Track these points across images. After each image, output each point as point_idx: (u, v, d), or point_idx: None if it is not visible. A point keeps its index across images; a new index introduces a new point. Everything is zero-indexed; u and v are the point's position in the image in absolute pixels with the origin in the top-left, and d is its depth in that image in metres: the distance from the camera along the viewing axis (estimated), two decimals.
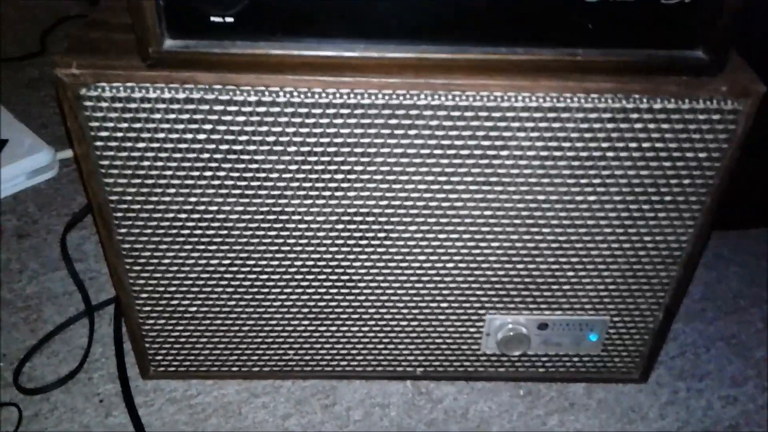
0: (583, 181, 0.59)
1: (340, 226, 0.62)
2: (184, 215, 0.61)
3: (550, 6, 0.51)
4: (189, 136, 0.56)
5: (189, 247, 0.63)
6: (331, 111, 0.55)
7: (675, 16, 0.51)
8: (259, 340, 0.71)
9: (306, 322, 0.69)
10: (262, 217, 0.61)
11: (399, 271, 0.65)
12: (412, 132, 0.56)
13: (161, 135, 0.56)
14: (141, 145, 0.56)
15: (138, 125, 0.55)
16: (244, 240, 0.62)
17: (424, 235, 0.63)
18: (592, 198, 0.60)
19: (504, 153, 0.57)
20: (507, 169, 0.58)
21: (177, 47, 0.51)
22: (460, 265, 0.65)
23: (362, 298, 0.67)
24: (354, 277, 0.66)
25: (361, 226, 0.62)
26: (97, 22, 0.58)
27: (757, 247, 0.93)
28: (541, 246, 0.64)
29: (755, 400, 0.76)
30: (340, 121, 0.55)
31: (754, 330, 0.83)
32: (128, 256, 0.63)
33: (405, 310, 0.69)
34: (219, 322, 0.69)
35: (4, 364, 0.75)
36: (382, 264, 0.65)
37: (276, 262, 0.64)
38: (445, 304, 0.68)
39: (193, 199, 0.60)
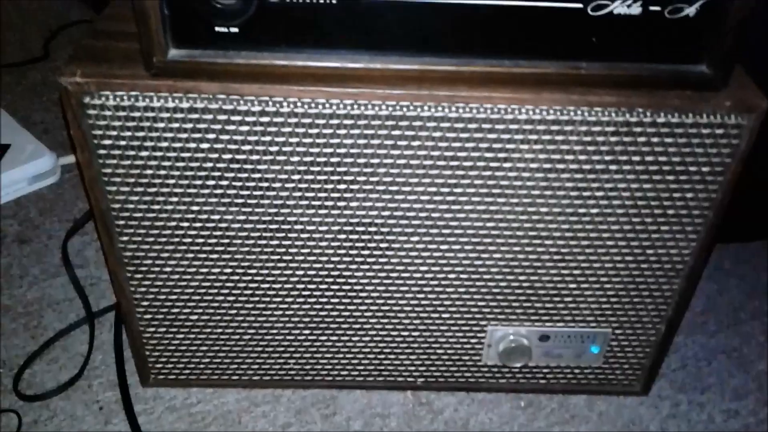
0: (585, 194, 0.59)
1: (342, 237, 0.62)
2: (186, 224, 0.61)
3: (554, 19, 0.51)
4: (192, 145, 0.56)
5: (190, 255, 0.63)
6: (335, 121, 0.55)
7: (679, 30, 0.51)
8: (260, 348, 0.71)
9: (307, 332, 0.69)
10: (263, 226, 0.61)
11: (400, 282, 0.65)
12: (415, 143, 0.56)
13: (164, 144, 0.56)
14: (144, 153, 0.56)
15: (141, 134, 0.55)
16: (246, 249, 0.62)
17: (426, 246, 0.63)
18: (594, 211, 0.60)
19: (507, 165, 0.57)
20: (509, 181, 0.58)
21: (181, 57, 0.52)
22: (462, 275, 0.65)
23: (363, 308, 0.67)
24: (355, 287, 0.66)
25: (363, 237, 0.62)
26: (101, 31, 0.58)
27: (759, 260, 0.93)
28: (543, 258, 0.64)
29: (756, 413, 0.76)
30: (343, 131, 0.55)
31: (756, 343, 0.83)
32: (129, 263, 0.63)
33: (406, 321, 0.68)
34: (220, 330, 0.69)
35: (3, 371, 0.75)
36: (383, 274, 0.65)
37: (277, 272, 0.64)
38: (446, 315, 0.68)
39: (195, 208, 0.60)
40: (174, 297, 0.66)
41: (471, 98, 0.54)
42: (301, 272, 0.64)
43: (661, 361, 0.73)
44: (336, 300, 0.66)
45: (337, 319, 0.68)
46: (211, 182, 0.58)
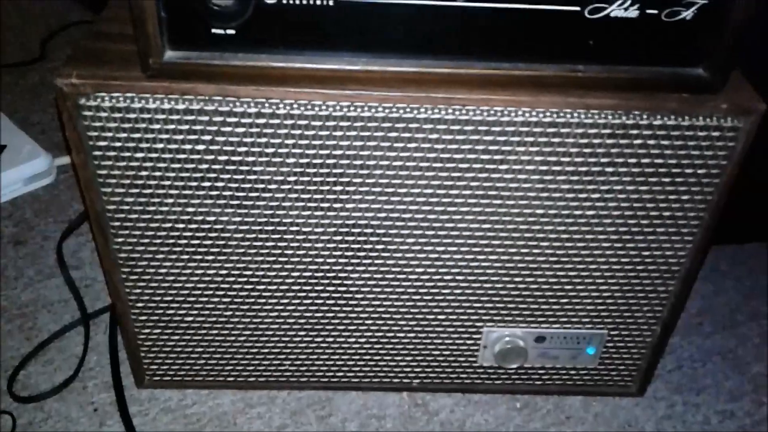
0: (581, 196, 0.59)
1: (338, 238, 0.62)
2: (181, 225, 0.60)
3: (551, 22, 0.51)
4: (187, 146, 0.56)
5: (186, 257, 0.63)
6: (331, 123, 0.55)
7: (676, 34, 0.51)
8: (255, 350, 0.71)
9: (302, 333, 0.69)
10: (259, 227, 0.61)
11: (396, 283, 0.65)
12: (411, 145, 0.56)
13: (160, 145, 0.55)
14: (139, 155, 0.56)
15: (137, 135, 0.55)
16: (241, 250, 0.62)
17: (422, 248, 0.62)
18: (590, 213, 0.60)
19: (503, 167, 0.57)
20: (506, 183, 0.58)
21: (178, 58, 0.51)
22: (458, 277, 0.65)
23: (359, 309, 0.67)
24: (351, 289, 0.65)
25: (359, 238, 0.62)
26: (98, 32, 0.58)
27: (755, 262, 0.93)
28: (539, 259, 0.64)
29: (752, 415, 0.76)
30: (339, 133, 0.55)
31: (752, 344, 0.83)
32: (125, 265, 0.63)
33: (402, 322, 0.68)
34: (215, 331, 0.69)
35: None
36: (379, 276, 0.64)
37: (273, 273, 0.64)
38: (442, 316, 0.68)
39: (190, 209, 0.59)
40: (169, 298, 0.66)
41: (468, 100, 0.54)
42: (296, 274, 0.64)
43: (657, 362, 0.73)
44: (332, 301, 0.66)
45: (333, 321, 0.68)
46: (207, 184, 0.58)
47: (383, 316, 0.68)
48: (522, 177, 0.58)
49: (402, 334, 0.69)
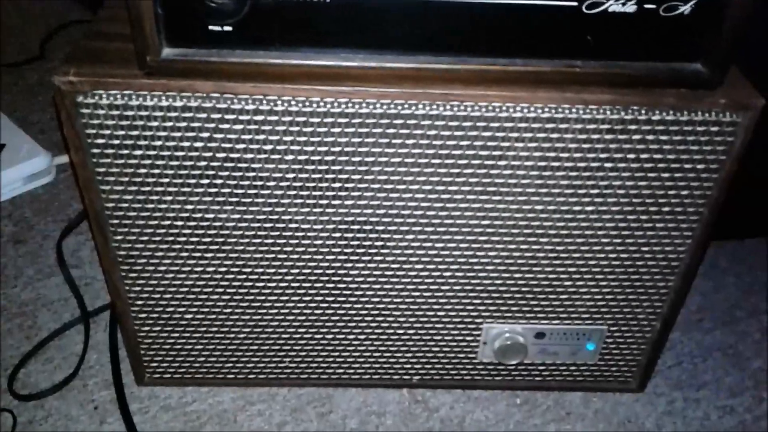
0: (580, 192, 0.59)
1: (337, 235, 0.62)
2: (180, 223, 0.60)
3: (549, 18, 0.51)
4: (186, 144, 0.56)
5: (185, 254, 0.63)
6: (329, 120, 0.55)
7: (674, 29, 0.51)
8: (255, 347, 0.71)
9: (302, 330, 0.69)
10: (258, 225, 0.61)
11: (396, 280, 0.65)
12: (409, 142, 0.56)
13: (158, 143, 0.55)
14: (138, 152, 0.56)
15: (135, 133, 0.55)
16: (241, 248, 0.62)
17: (421, 244, 0.62)
18: (589, 209, 0.60)
19: (501, 163, 0.57)
20: (504, 179, 0.58)
21: (175, 56, 0.51)
22: (457, 273, 0.65)
23: (359, 306, 0.67)
24: (351, 286, 0.65)
25: (358, 235, 0.62)
26: (96, 31, 0.58)
27: (755, 257, 0.93)
28: (539, 255, 0.64)
29: (752, 410, 0.76)
30: (337, 130, 0.55)
31: (752, 340, 0.83)
32: (124, 263, 0.63)
33: (402, 319, 0.68)
34: (215, 329, 0.69)
35: None
36: (378, 272, 0.64)
37: (272, 270, 0.64)
38: (442, 313, 0.68)
39: (189, 207, 0.59)
40: (168, 296, 0.66)
41: (466, 96, 0.54)
42: (295, 271, 0.64)
43: (657, 358, 0.73)
44: (331, 298, 0.66)
45: (332, 318, 0.68)
46: (205, 181, 0.58)
47: (383, 312, 0.68)
48: (520, 173, 0.58)
49: (402, 331, 0.69)
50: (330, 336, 0.70)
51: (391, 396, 0.75)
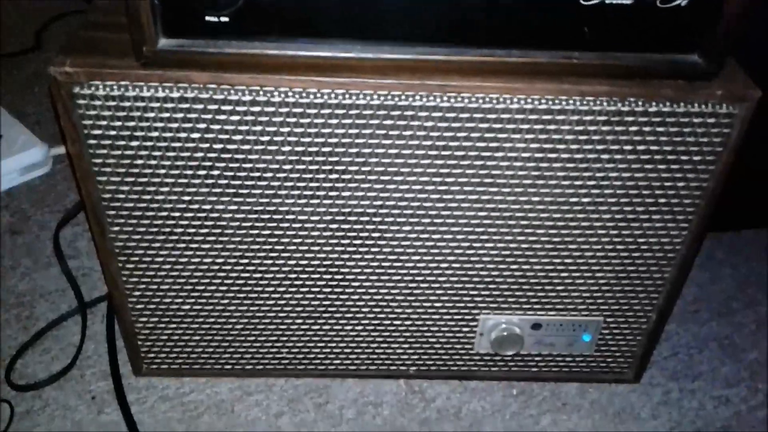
0: (577, 183, 0.59)
1: (334, 226, 0.62)
2: (177, 214, 0.60)
3: (546, 8, 0.50)
4: (182, 135, 0.55)
5: (182, 245, 0.63)
6: (326, 111, 0.55)
7: (671, 20, 0.51)
8: (253, 338, 0.71)
9: (299, 321, 0.69)
10: (255, 216, 0.61)
11: (393, 271, 0.65)
12: (407, 133, 0.56)
13: (155, 134, 0.55)
14: (134, 143, 0.56)
15: (131, 124, 0.55)
16: (238, 239, 0.62)
17: (418, 236, 0.63)
18: (586, 200, 0.60)
19: (499, 155, 0.57)
20: (501, 170, 0.58)
21: (171, 46, 0.51)
22: (454, 265, 0.65)
23: (356, 297, 0.67)
24: (348, 277, 0.66)
25: (355, 226, 0.62)
26: (92, 22, 0.58)
27: (751, 249, 0.93)
28: (535, 247, 0.64)
29: (747, 401, 0.76)
30: (334, 121, 0.55)
31: (747, 331, 0.83)
32: (121, 254, 0.63)
33: (399, 310, 0.69)
34: (212, 320, 0.69)
35: None
36: (375, 264, 0.65)
37: (269, 261, 0.64)
38: (438, 304, 0.68)
39: (186, 198, 0.59)
40: (166, 287, 0.66)
41: (463, 88, 0.54)
42: (293, 262, 0.64)
43: (653, 349, 0.74)
44: (328, 289, 0.67)
45: (330, 309, 0.68)
46: (202, 172, 0.58)
47: (380, 304, 0.68)
48: (518, 164, 0.58)
49: (399, 322, 0.70)
50: (327, 327, 0.70)
51: (387, 387, 0.75)
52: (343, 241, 0.63)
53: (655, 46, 0.53)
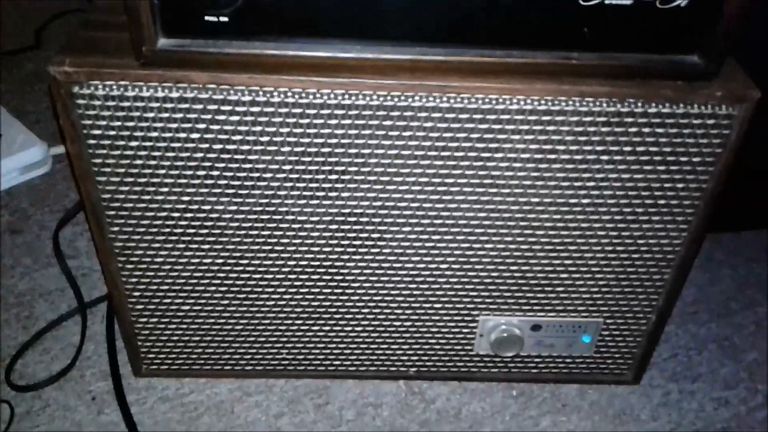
0: (577, 184, 0.59)
1: (334, 227, 0.62)
2: (176, 214, 0.60)
3: (545, 9, 0.50)
4: (182, 135, 0.55)
5: (181, 245, 0.63)
6: (326, 112, 0.54)
7: (671, 20, 0.51)
8: (252, 339, 0.71)
9: (299, 322, 0.69)
10: (255, 216, 0.61)
11: (392, 272, 0.65)
12: (406, 133, 0.56)
13: (154, 134, 0.55)
14: (134, 143, 0.56)
15: (131, 124, 0.55)
16: (237, 239, 0.62)
17: (417, 236, 0.63)
18: (585, 201, 0.60)
19: (498, 155, 0.57)
20: (501, 171, 0.58)
21: (171, 46, 0.51)
22: (454, 266, 0.65)
23: (356, 298, 0.67)
24: (347, 278, 0.66)
25: (355, 227, 0.62)
26: (92, 21, 0.58)
27: (750, 250, 0.93)
28: (535, 248, 0.64)
29: (747, 402, 0.76)
30: (334, 121, 0.55)
31: (747, 332, 0.83)
32: (120, 254, 0.63)
33: (398, 311, 0.69)
34: (212, 320, 0.69)
35: None
36: (375, 264, 0.65)
37: (269, 262, 0.64)
38: (438, 305, 0.68)
39: (185, 198, 0.59)
40: (165, 287, 0.66)
41: (462, 88, 0.54)
42: (292, 262, 0.64)
43: (653, 350, 0.74)
44: (328, 290, 0.66)
45: (330, 309, 0.68)
46: (202, 172, 0.58)
47: (380, 305, 0.68)
48: (517, 165, 0.58)
49: (398, 323, 0.70)
50: (327, 328, 0.70)
51: (387, 387, 0.75)
52: (342, 242, 0.63)
53: (655, 47, 0.53)
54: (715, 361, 0.80)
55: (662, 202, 0.60)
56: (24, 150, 0.95)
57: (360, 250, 0.63)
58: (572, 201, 0.60)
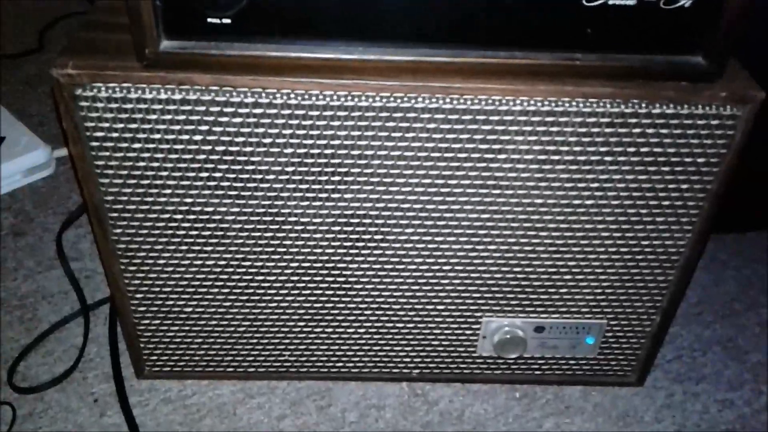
0: (580, 185, 0.59)
1: (337, 229, 0.62)
2: (179, 216, 0.60)
3: (548, 10, 0.50)
4: (185, 137, 0.55)
5: (184, 248, 0.63)
6: (328, 113, 0.54)
7: (674, 21, 0.51)
8: (255, 340, 0.71)
9: (302, 324, 0.69)
10: (257, 218, 0.61)
11: (395, 274, 0.65)
12: (409, 135, 0.56)
13: (157, 136, 0.55)
14: (136, 145, 0.56)
15: (134, 126, 0.55)
16: (240, 241, 0.62)
17: (420, 238, 0.62)
18: (589, 202, 0.60)
19: (501, 157, 0.57)
20: (504, 172, 0.58)
21: (174, 48, 0.51)
22: (457, 267, 0.65)
23: (358, 300, 0.67)
24: (350, 279, 0.65)
25: (358, 229, 0.62)
26: (94, 23, 0.58)
27: (754, 251, 0.93)
28: (538, 249, 0.63)
29: (751, 404, 0.76)
30: (336, 123, 0.55)
31: (751, 334, 0.83)
32: (123, 256, 0.63)
33: (401, 312, 0.68)
34: (214, 322, 0.69)
35: None
36: (378, 266, 0.64)
37: (272, 264, 0.64)
38: (441, 307, 0.68)
39: (188, 200, 0.59)
40: (168, 289, 0.66)
41: (465, 89, 0.53)
42: (295, 264, 0.64)
43: (656, 351, 0.73)
44: (330, 292, 0.66)
45: (332, 311, 0.68)
46: (204, 174, 0.58)
47: (382, 306, 0.68)
48: (520, 167, 0.58)
49: (401, 325, 0.69)
50: (329, 329, 0.70)
51: (390, 389, 0.75)
52: (345, 244, 0.63)
53: (658, 48, 0.52)
54: (719, 363, 0.80)
55: (666, 203, 0.60)
56: (27, 152, 0.95)
57: (362, 252, 0.63)
58: (576, 202, 0.60)
